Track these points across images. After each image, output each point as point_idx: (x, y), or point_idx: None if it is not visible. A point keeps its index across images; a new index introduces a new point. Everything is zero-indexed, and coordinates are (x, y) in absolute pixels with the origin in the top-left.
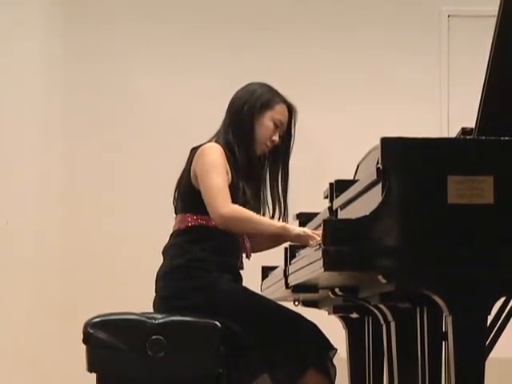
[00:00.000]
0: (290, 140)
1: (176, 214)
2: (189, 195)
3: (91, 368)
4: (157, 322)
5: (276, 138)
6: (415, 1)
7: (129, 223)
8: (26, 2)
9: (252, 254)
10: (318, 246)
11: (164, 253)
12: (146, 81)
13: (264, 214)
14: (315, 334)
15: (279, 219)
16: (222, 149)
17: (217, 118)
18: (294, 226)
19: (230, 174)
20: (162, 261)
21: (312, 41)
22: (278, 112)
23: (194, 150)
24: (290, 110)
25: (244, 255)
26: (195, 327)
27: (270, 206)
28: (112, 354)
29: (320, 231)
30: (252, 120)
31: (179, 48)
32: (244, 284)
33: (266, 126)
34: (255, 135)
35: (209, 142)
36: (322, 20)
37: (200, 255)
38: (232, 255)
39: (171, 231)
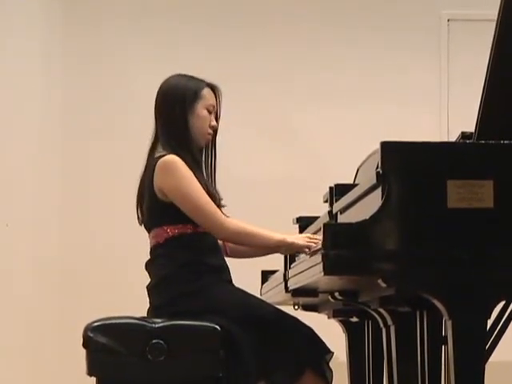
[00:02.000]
0: (218, 119)
1: (148, 230)
2: (159, 210)
3: (91, 372)
4: (157, 325)
5: (214, 123)
6: (415, 5)
7: (129, 226)
8: (26, 2)
9: (248, 258)
10: (317, 250)
11: (148, 268)
12: (146, 80)
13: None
14: (311, 337)
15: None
16: (179, 158)
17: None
18: (293, 238)
19: None
20: None
21: (312, 43)
22: (207, 98)
23: (149, 163)
24: (214, 90)
25: (224, 253)
26: (195, 331)
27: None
28: (112, 357)
29: (319, 236)
30: (186, 117)
31: (180, 48)
32: (243, 288)
33: (202, 116)
34: (193, 131)
35: (152, 151)
36: (322, 23)
37: (186, 260)
38: (215, 254)
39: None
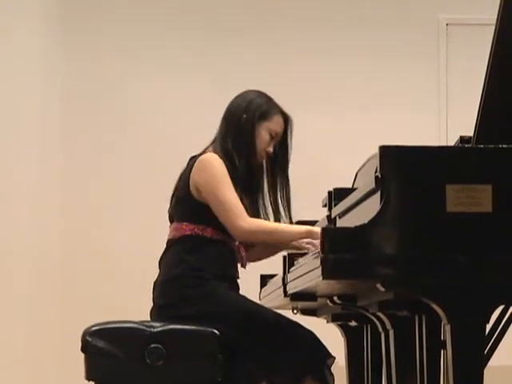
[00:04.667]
0: (288, 150)
1: (171, 221)
2: (186, 204)
3: (90, 376)
4: (155, 330)
5: (270, 149)
6: (413, 9)
7: (128, 230)
8: (26, 3)
9: (249, 263)
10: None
11: (160, 262)
12: (145, 83)
13: None
14: (313, 341)
15: None
16: (220, 158)
17: (216, 124)
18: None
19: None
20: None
21: (311, 48)
22: (275, 123)
23: (193, 159)
24: (286, 120)
25: (239, 264)
26: (193, 335)
27: (271, 218)
28: (110, 362)
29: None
30: (252, 130)
31: (179, 51)
32: (242, 292)
33: (263, 136)
34: (253, 145)
35: (205, 150)
36: (320, 28)
37: (196, 264)
38: (228, 264)
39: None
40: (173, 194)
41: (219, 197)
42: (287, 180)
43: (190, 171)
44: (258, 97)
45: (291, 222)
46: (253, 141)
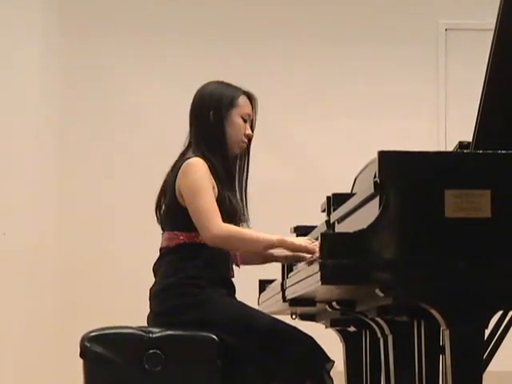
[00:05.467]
0: (253, 126)
1: (163, 230)
2: (175, 212)
3: (88, 382)
4: (154, 335)
5: (249, 131)
6: (413, 14)
7: (127, 235)
8: (24, 7)
9: (247, 267)
10: (314, 259)
11: (155, 271)
12: (142, 83)
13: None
14: (312, 346)
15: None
16: (204, 162)
17: None
18: (292, 239)
19: (216, 188)
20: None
21: (310, 53)
22: (243, 106)
23: (176, 165)
24: (251, 98)
25: (234, 264)
26: (192, 341)
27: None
28: (109, 367)
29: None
30: (221, 123)
31: (178, 54)
32: (242, 298)
33: (237, 123)
34: (228, 138)
35: (183, 155)
36: (319, 33)
37: (192, 272)
38: (224, 268)
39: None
40: (158, 202)
41: (194, 202)
42: (248, 160)
43: (175, 178)
44: (217, 87)
45: (246, 206)
46: (225, 134)
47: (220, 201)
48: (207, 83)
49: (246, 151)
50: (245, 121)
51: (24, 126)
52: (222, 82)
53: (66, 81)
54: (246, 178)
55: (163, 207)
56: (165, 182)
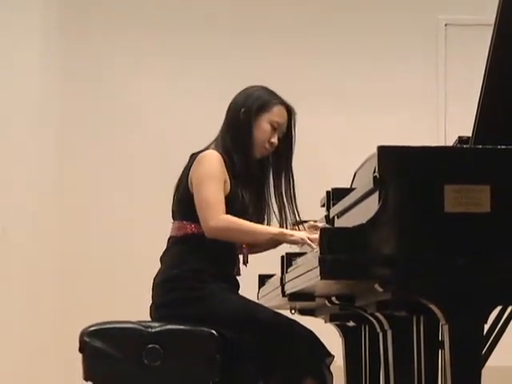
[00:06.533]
0: (291, 142)
1: (173, 219)
2: (186, 202)
3: (87, 376)
4: (153, 330)
5: (274, 140)
6: (412, 10)
7: (127, 230)
8: (24, 7)
9: (249, 261)
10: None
11: (161, 260)
12: (145, 88)
13: (269, 220)
14: (312, 340)
15: (282, 225)
16: (220, 156)
17: (218, 122)
18: (292, 232)
19: (228, 183)
20: (158, 269)
21: (310, 48)
22: (276, 114)
23: (193, 156)
24: (289, 111)
25: (241, 261)
26: (191, 336)
27: (276, 211)
28: (108, 362)
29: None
30: (249, 123)
31: (179, 52)
32: (241, 292)
33: (264, 128)
34: (253, 139)
35: (207, 148)
36: (320, 28)
37: (196, 265)
38: (229, 263)
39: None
40: (175, 191)
41: (199, 193)
42: (291, 173)
43: (190, 168)
44: (258, 90)
45: (298, 218)
46: (251, 134)
47: (231, 197)
48: (252, 86)
49: (271, 161)
50: (274, 128)
51: (24, 126)
52: (267, 89)
53: (66, 81)
54: (263, 182)
55: (177, 196)
56: (181, 174)
